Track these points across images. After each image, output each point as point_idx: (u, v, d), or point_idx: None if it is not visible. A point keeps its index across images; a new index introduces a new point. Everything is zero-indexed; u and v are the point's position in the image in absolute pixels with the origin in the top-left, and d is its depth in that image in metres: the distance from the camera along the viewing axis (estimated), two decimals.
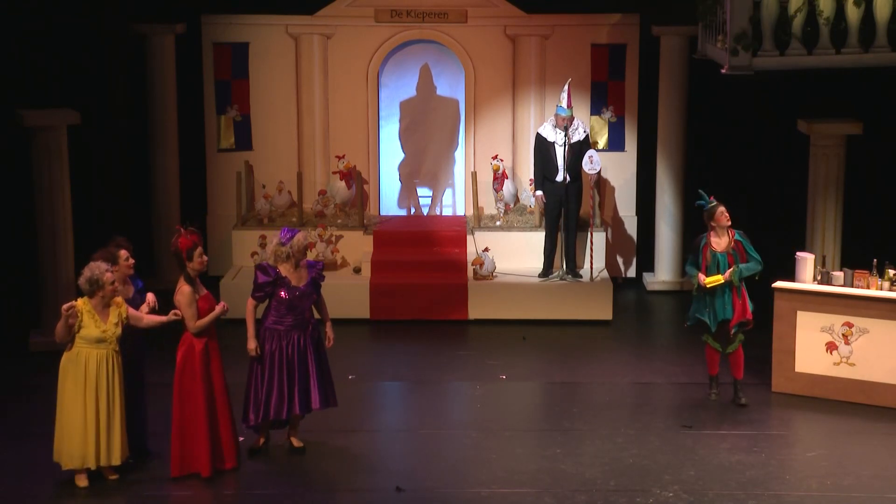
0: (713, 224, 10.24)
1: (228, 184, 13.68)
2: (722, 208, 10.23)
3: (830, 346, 10.50)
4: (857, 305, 10.38)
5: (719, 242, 10.26)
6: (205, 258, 8.89)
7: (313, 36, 13.70)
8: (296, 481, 8.98)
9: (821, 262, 11.01)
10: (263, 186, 13.64)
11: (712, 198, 10.33)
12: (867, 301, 10.35)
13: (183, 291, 8.78)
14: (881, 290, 10.36)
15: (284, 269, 9.20)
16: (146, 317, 8.87)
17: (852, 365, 10.43)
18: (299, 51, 13.74)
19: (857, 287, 10.43)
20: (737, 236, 10.26)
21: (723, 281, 10.17)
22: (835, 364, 10.48)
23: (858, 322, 10.38)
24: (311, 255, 12.08)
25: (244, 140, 13.82)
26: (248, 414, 9.23)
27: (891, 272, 10.36)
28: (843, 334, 10.45)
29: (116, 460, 8.73)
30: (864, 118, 12.22)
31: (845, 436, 9.83)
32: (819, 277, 10.62)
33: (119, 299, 8.72)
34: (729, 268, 10.18)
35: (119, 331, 8.65)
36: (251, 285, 9.26)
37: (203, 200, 13.87)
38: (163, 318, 8.87)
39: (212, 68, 13.71)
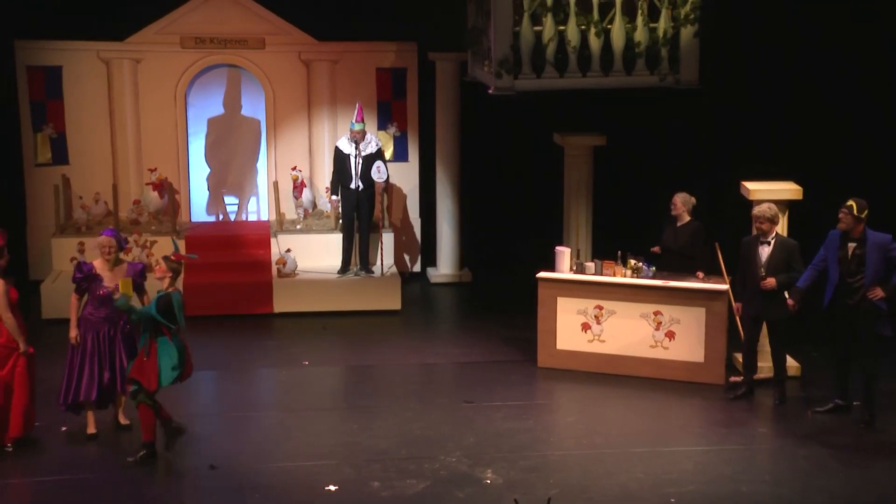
0: None
1: (46, 195, 13.69)
2: None
3: (585, 326, 11.19)
4: (606, 291, 11.08)
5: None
6: None
7: (123, 60, 13.82)
8: (95, 466, 8.98)
9: (576, 255, 11.68)
10: (81, 197, 13.70)
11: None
12: (614, 287, 11.08)
13: None
14: (625, 277, 11.08)
15: (100, 268, 9.44)
16: None
17: (603, 341, 11.16)
18: (111, 74, 13.84)
19: (606, 275, 11.14)
20: None
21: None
22: (589, 341, 11.21)
23: (607, 305, 11.09)
24: (129, 258, 12.04)
25: (61, 155, 13.83)
26: (59, 396, 9.45)
27: (632, 262, 11.06)
28: (595, 316, 11.16)
29: None
30: (607, 132, 13.01)
31: (597, 402, 10.47)
32: (574, 268, 11.25)
33: None
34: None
35: None
36: (72, 286, 9.56)
37: (23, 211, 13.85)
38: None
39: (27, 89, 13.66)
